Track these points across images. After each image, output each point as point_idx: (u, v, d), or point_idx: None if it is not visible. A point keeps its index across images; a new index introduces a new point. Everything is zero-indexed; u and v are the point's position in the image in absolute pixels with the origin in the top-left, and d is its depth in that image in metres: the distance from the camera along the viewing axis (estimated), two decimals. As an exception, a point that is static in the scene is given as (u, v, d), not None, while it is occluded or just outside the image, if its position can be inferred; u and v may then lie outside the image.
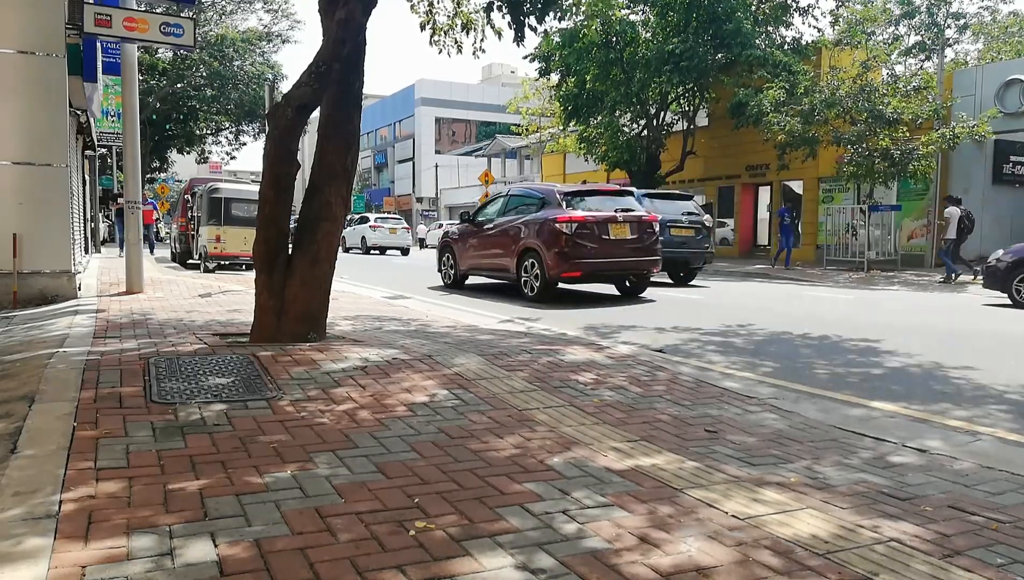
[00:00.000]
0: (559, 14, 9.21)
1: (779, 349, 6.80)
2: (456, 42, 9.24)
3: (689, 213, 14.41)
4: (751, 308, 10.13)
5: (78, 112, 12.41)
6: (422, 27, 9.22)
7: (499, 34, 9.10)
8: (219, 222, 15.40)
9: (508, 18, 8.80)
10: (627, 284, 11.48)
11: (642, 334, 7.44)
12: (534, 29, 8.91)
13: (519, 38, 8.82)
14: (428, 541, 2.30)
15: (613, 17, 22.69)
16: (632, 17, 24.64)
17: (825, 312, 9.95)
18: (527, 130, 36.30)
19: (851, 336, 7.53)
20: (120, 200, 18.50)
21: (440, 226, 41.03)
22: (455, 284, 12.48)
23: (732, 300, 11.34)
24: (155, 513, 2.45)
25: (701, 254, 14.38)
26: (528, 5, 8.69)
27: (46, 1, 8.42)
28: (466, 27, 9.11)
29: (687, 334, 7.56)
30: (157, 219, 26.38)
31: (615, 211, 10.69)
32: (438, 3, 9.12)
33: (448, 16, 9.17)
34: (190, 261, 17.24)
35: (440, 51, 9.35)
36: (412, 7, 9.06)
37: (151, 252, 20.08)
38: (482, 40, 9.22)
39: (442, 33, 9.16)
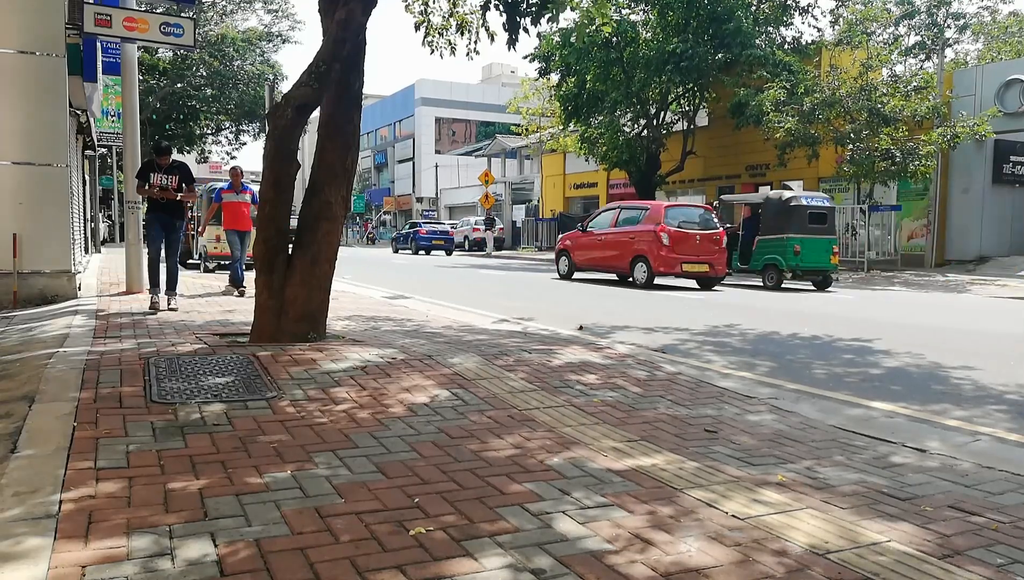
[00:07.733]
0: (553, 16, 9.01)
1: (777, 348, 6.80)
2: (450, 43, 9.17)
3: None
4: (754, 307, 10.11)
5: (78, 112, 12.40)
6: (417, 27, 9.15)
7: (492, 37, 9.05)
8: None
9: (504, 17, 8.74)
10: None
11: (636, 334, 7.44)
12: (527, 31, 8.85)
13: (513, 40, 8.73)
14: (428, 541, 2.30)
15: (612, 20, 22.68)
16: (632, 17, 24.62)
17: (826, 311, 9.95)
18: (527, 130, 36.24)
19: (851, 335, 7.53)
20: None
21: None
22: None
23: (740, 299, 11.31)
24: (155, 513, 2.45)
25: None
26: (524, 5, 8.63)
27: (46, 1, 8.41)
28: (461, 28, 9.05)
29: (681, 334, 7.55)
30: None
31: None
32: (433, 3, 9.08)
33: (443, 16, 9.12)
34: (190, 261, 17.23)
35: (432, 51, 9.26)
36: (407, 7, 9.01)
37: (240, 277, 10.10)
38: (476, 41, 9.15)
39: (436, 34, 9.09)
